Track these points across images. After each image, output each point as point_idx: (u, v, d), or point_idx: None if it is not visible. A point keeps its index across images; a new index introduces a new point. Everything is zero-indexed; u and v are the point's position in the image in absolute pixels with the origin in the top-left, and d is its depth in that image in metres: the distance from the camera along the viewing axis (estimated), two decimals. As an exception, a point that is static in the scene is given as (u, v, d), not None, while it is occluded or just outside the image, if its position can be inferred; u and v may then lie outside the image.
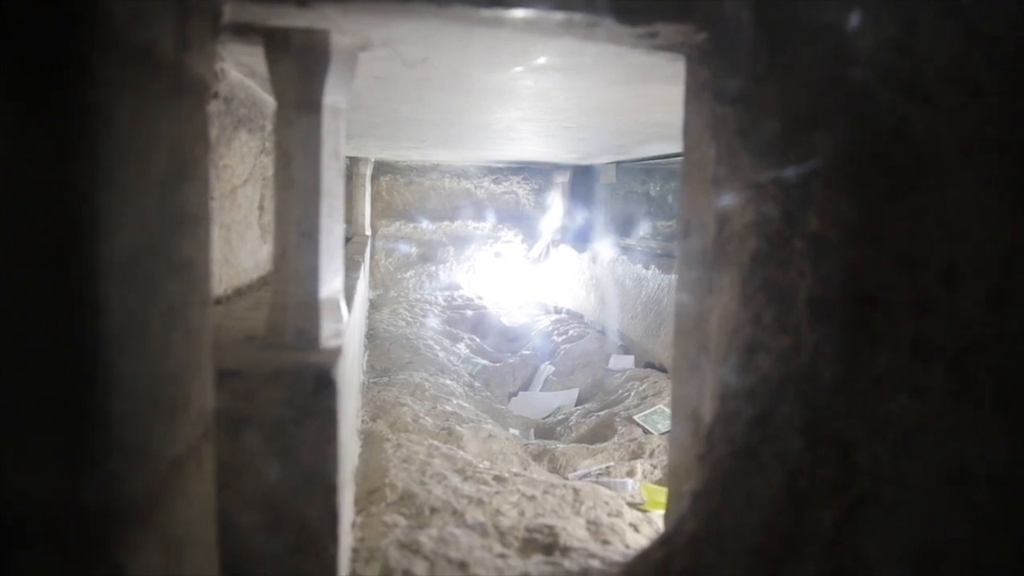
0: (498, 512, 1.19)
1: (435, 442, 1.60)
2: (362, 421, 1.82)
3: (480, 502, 1.22)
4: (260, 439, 0.81)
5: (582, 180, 4.46)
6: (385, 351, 2.90)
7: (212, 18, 0.67)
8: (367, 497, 1.26)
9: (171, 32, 0.54)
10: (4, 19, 0.40)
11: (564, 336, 3.46)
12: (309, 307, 0.91)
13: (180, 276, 0.56)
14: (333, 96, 0.89)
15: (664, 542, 0.88)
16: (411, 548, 1.04)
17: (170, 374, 0.54)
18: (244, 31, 0.83)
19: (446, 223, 4.65)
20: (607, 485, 1.55)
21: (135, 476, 0.48)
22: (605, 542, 1.12)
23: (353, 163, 3.92)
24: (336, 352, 0.90)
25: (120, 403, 0.45)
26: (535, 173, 4.70)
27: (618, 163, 3.91)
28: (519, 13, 0.75)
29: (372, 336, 3.17)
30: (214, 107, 1.12)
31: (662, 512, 1.15)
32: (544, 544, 1.08)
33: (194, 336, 0.60)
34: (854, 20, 0.78)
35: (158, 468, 0.51)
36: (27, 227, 0.42)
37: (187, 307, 0.58)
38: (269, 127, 1.58)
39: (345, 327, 0.97)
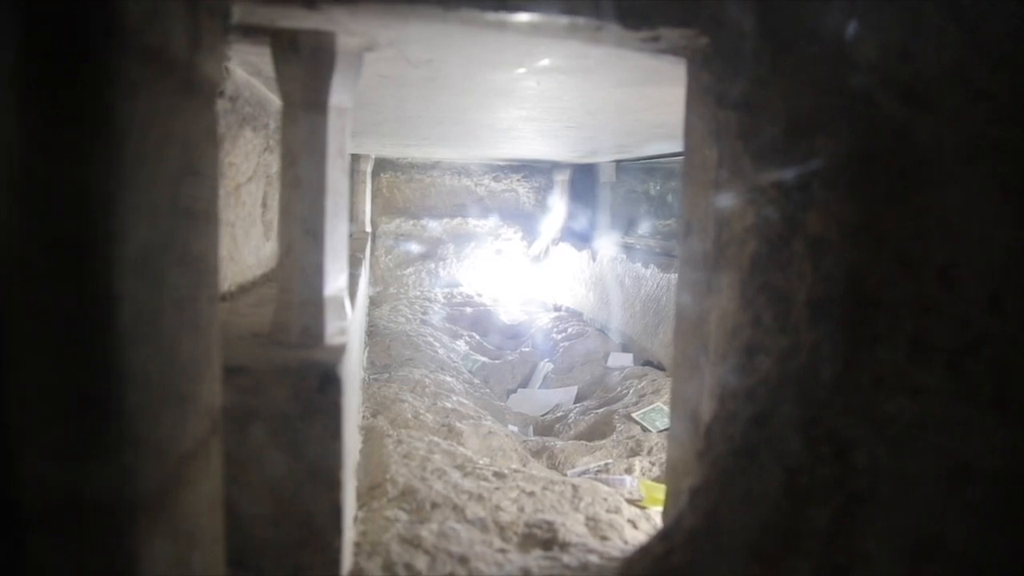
0: (498, 508, 1.20)
1: (435, 438, 1.61)
2: (363, 417, 1.83)
3: (480, 498, 1.23)
4: (266, 434, 0.82)
5: (582, 179, 4.47)
6: (385, 347, 2.91)
7: (222, 19, 0.68)
8: (369, 492, 1.27)
9: (183, 32, 0.55)
10: (22, 21, 0.41)
11: (563, 334, 3.47)
12: (314, 305, 0.92)
13: (189, 272, 0.58)
14: (339, 96, 0.90)
15: (662, 538, 0.89)
16: (412, 542, 1.05)
17: (180, 369, 0.56)
18: (252, 32, 0.84)
19: (446, 220, 4.66)
20: (606, 482, 1.56)
21: (147, 468, 0.49)
22: (604, 538, 1.13)
23: (354, 160, 3.92)
24: (341, 349, 0.91)
25: (132, 397, 0.46)
26: (536, 171, 4.71)
27: (618, 162, 3.92)
28: (524, 17, 0.76)
29: (372, 332, 3.18)
30: (220, 105, 1.13)
31: (660, 509, 1.17)
32: (543, 539, 1.10)
33: (203, 332, 0.61)
34: (855, 25, 0.79)
35: (169, 461, 0.53)
36: (45, 224, 0.43)
37: (196, 303, 0.59)
38: (273, 125, 1.59)
39: (349, 324, 0.98)
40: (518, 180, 4.75)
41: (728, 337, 0.83)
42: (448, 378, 2.58)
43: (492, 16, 0.75)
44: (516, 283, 4.61)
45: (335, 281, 0.94)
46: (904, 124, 0.79)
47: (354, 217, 3.89)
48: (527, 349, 3.37)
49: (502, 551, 1.05)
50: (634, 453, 1.87)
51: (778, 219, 0.79)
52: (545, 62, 1.14)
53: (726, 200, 0.83)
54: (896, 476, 0.78)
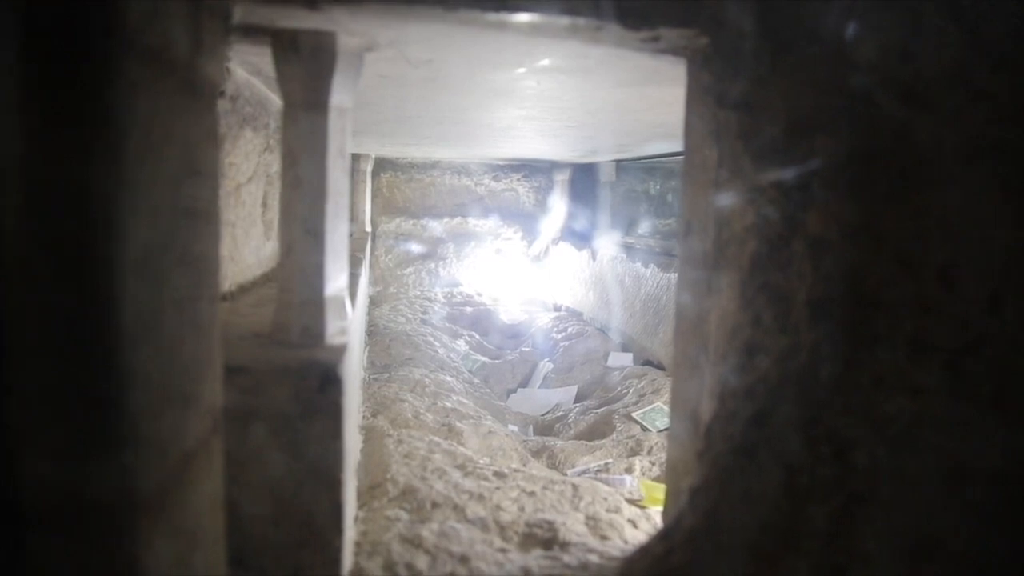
0: (498, 507, 1.20)
1: (435, 438, 1.61)
2: (363, 417, 1.84)
3: (480, 497, 1.23)
4: (267, 434, 0.82)
5: (582, 178, 4.47)
6: (385, 347, 2.91)
7: (223, 20, 0.68)
8: (369, 492, 1.27)
9: (184, 33, 0.55)
10: (22, 20, 0.41)
11: (563, 333, 3.47)
12: (315, 305, 0.92)
13: (190, 272, 0.58)
14: (339, 96, 0.90)
15: (662, 537, 0.89)
16: (413, 542, 1.05)
17: (181, 368, 0.56)
18: (253, 32, 0.84)
19: (447, 220, 4.66)
20: (606, 481, 1.56)
21: (148, 468, 0.49)
22: (604, 537, 1.13)
23: (354, 159, 3.91)
24: (341, 349, 0.91)
25: (133, 396, 0.47)
26: (535, 171, 4.71)
27: (618, 161, 3.92)
28: (524, 17, 0.76)
29: (372, 332, 3.18)
30: (221, 105, 1.13)
31: (660, 508, 1.17)
32: (544, 539, 1.10)
33: (204, 331, 0.61)
34: (855, 25, 0.79)
35: (170, 461, 0.53)
36: (45, 224, 0.43)
37: (197, 302, 0.59)
38: (273, 125, 1.59)
39: (349, 324, 0.98)
40: (518, 180, 4.75)
41: (728, 337, 0.83)
42: (448, 378, 2.58)
43: (492, 16, 0.75)
44: (516, 283, 4.61)
45: (335, 281, 0.94)
46: (904, 124, 0.79)
47: (354, 217, 3.89)
48: (527, 349, 3.37)
49: (503, 550, 1.05)
50: (634, 453, 1.88)
51: (778, 219, 0.79)
52: (545, 62, 1.14)
53: (726, 200, 0.83)
54: (896, 476, 0.78)
